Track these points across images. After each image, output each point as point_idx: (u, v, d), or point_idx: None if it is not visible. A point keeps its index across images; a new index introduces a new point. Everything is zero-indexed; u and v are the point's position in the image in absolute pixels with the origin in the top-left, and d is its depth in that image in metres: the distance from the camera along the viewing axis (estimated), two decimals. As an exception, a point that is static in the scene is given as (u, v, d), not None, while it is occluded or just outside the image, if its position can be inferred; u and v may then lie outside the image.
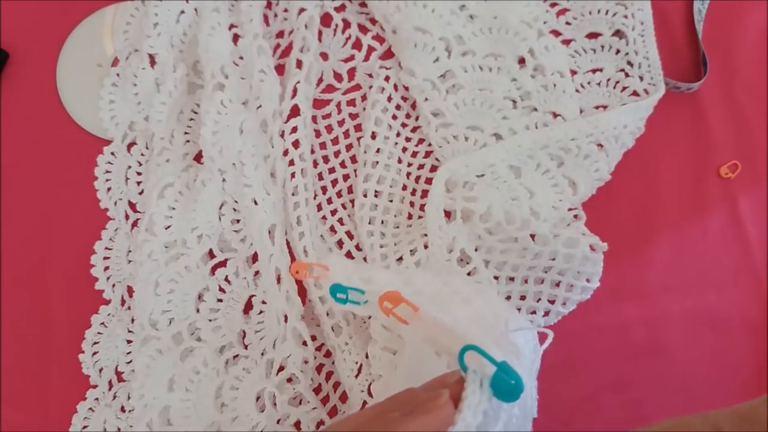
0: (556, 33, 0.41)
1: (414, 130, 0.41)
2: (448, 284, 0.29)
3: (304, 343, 0.36)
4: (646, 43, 0.40)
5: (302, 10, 0.41)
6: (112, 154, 0.42)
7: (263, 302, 0.38)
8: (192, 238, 0.38)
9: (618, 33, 0.41)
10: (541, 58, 0.39)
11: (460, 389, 0.22)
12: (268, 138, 0.39)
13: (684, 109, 0.41)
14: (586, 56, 0.41)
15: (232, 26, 0.41)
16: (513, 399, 0.22)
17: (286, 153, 0.39)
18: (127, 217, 0.41)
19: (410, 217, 0.39)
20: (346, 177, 0.41)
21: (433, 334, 0.25)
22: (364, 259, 0.39)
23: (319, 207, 0.40)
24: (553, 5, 0.42)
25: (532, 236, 0.36)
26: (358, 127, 0.41)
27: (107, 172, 0.41)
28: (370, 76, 0.42)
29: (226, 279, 0.38)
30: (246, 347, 0.37)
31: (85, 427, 0.38)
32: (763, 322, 0.39)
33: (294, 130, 0.40)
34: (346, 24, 0.43)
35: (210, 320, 0.37)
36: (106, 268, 0.40)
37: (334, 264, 0.30)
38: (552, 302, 0.37)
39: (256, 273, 0.39)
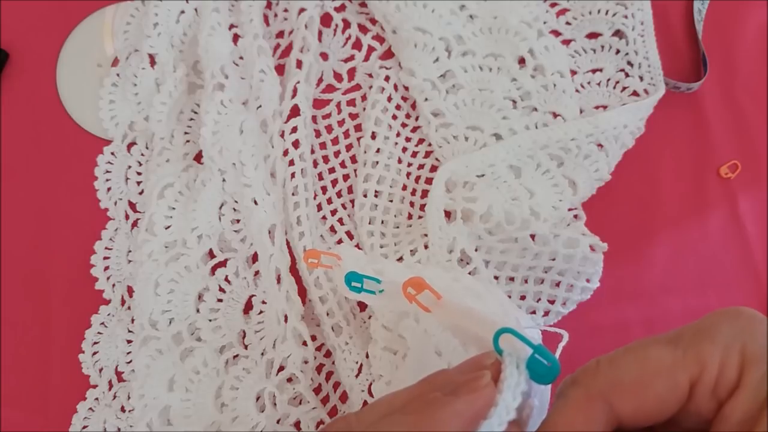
0: (556, 33, 0.41)
1: (414, 130, 0.41)
2: (459, 280, 0.29)
3: (304, 343, 0.36)
4: (646, 43, 0.40)
5: (302, 10, 0.41)
6: (112, 154, 0.42)
7: (263, 302, 0.38)
8: (192, 238, 0.38)
9: (618, 33, 0.41)
10: (541, 58, 0.39)
11: (497, 371, 0.22)
12: (268, 138, 0.39)
13: (684, 109, 0.41)
14: (586, 56, 0.41)
15: (232, 26, 0.41)
16: (549, 381, 0.22)
17: (286, 153, 0.39)
18: (127, 217, 0.41)
19: (410, 217, 0.39)
20: (346, 177, 0.41)
21: (458, 322, 0.25)
22: (364, 259, 0.39)
23: (319, 207, 0.40)
24: (553, 5, 0.42)
25: (532, 236, 0.36)
26: (358, 127, 0.41)
27: (107, 172, 0.42)
28: (370, 76, 0.42)
29: (226, 279, 0.38)
30: (246, 347, 0.37)
31: (85, 427, 0.38)
32: (763, 322, 0.39)
33: (294, 130, 0.40)
34: (346, 24, 0.43)
35: (210, 320, 0.37)
36: (106, 268, 0.40)
37: (346, 254, 0.30)
38: (552, 302, 0.37)
39: (256, 273, 0.39)
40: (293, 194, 0.39)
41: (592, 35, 0.41)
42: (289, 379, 0.36)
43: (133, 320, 0.38)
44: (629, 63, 0.40)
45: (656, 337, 0.21)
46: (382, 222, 0.39)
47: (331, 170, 0.41)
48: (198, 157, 0.41)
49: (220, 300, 0.38)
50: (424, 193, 0.39)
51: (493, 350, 0.23)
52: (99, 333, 0.39)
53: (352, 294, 0.29)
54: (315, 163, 0.41)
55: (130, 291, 0.39)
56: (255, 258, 0.39)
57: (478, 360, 0.23)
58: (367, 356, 0.36)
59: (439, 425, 0.20)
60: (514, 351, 0.22)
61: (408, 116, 0.41)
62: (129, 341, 0.39)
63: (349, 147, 0.41)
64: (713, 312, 0.22)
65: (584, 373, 0.21)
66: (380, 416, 0.22)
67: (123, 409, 0.38)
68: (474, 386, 0.22)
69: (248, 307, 0.38)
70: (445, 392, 0.22)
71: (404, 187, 0.40)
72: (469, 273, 0.35)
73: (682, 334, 0.21)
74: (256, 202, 0.37)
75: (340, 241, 0.40)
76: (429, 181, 0.40)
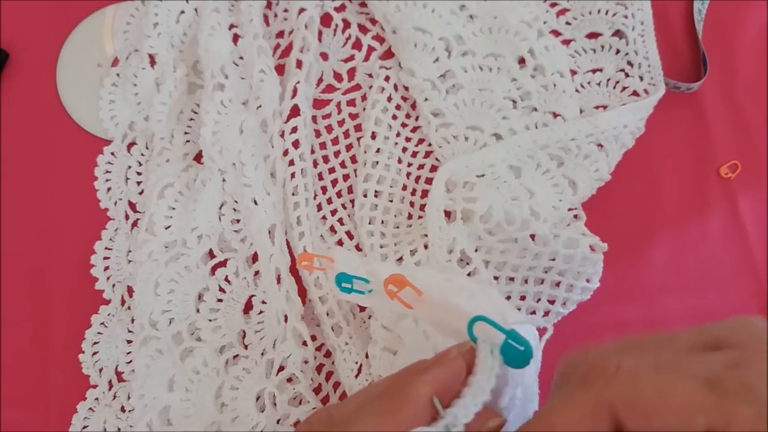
0: (556, 33, 0.41)
1: (414, 130, 0.41)
2: (452, 281, 0.29)
3: (304, 343, 0.36)
4: (646, 43, 0.40)
5: (302, 10, 0.41)
6: (112, 154, 0.42)
7: (263, 302, 0.38)
8: (192, 238, 0.38)
9: (618, 33, 0.41)
10: (541, 58, 0.39)
11: (472, 358, 0.23)
12: (268, 138, 0.39)
13: (684, 109, 0.41)
14: (586, 56, 0.41)
15: (232, 26, 0.41)
16: (523, 365, 0.23)
17: (286, 153, 0.39)
18: (127, 217, 0.41)
19: (410, 217, 0.39)
20: (346, 177, 0.41)
21: (438, 316, 0.26)
22: (364, 259, 0.39)
23: (319, 207, 0.40)
24: (553, 5, 0.42)
25: (532, 236, 0.36)
26: (358, 127, 0.41)
27: (107, 172, 0.42)
28: (370, 76, 0.42)
29: (226, 279, 0.38)
30: (246, 347, 0.37)
31: (85, 427, 0.38)
32: (763, 322, 0.39)
33: (294, 130, 0.40)
34: (346, 24, 0.43)
35: (210, 320, 0.37)
36: (106, 268, 0.40)
37: (340, 256, 0.30)
38: (552, 302, 0.37)
39: (256, 273, 0.39)
40: (293, 194, 0.39)
41: (592, 35, 0.41)
42: (289, 379, 0.36)
43: (133, 320, 0.38)
44: (629, 63, 0.40)
45: (694, 366, 0.19)
46: (382, 222, 0.39)
47: (331, 170, 0.41)
48: (198, 157, 0.41)
49: (220, 300, 0.38)
50: (424, 193, 0.39)
51: (468, 339, 0.24)
52: (99, 333, 0.39)
53: (342, 294, 0.30)
54: (315, 163, 0.41)
55: (130, 291, 0.39)
56: (255, 258, 0.39)
57: (451, 348, 0.24)
58: (367, 356, 0.36)
59: (410, 397, 0.21)
60: (488, 338, 0.23)
61: (408, 116, 0.41)
62: (129, 341, 0.39)
63: (349, 147, 0.41)
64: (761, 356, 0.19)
65: (598, 376, 0.20)
66: (359, 405, 0.23)
67: (123, 409, 0.38)
68: (440, 361, 0.22)
69: (248, 307, 0.38)
70: (417, 373, 0.23)
71: (404, 187, 0.40)
72: (469, 274, 0.35)
73: (724, 379, 0.18)
74: (256, 202, 0.37)
75: (340, 241, 0.40)
76: (429, 181, 0.40)
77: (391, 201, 0.39)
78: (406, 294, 0.27)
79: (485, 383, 0.22)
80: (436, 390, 0.21)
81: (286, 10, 0.43)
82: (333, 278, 0.30)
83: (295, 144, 0.40)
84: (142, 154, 0.42)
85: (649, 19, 0.40)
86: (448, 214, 0.37)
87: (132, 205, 0.41)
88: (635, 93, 0.40)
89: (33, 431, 0.39)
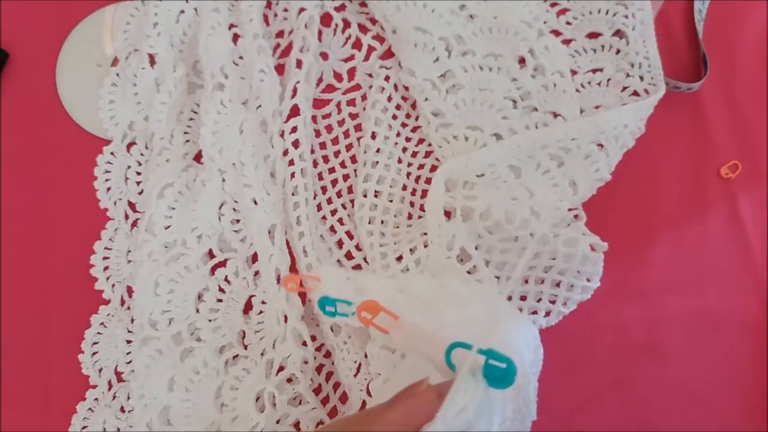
0: (556, 33, 0.41)
1: (414, 130, 0.41)
2: (445, 287, 0.28)
3: (304, 344, 0.36)
4: (646, 43, 0.40)
5: (302, 9, 0.41)
6: (112, 154, 0.42)
7: (263, 302, 0.38)
8: (192, 238, 0.38)
9: (618, 33, 0.41)
10: (541, 58, 0.39)
11: (448, 387, 0.22)
12: (268, 138, 0.39)
13: (684, 109, 0.41)
14: (586, 56, 0.41)
15: (232, 26, 0.41)
16: (508, 383, 0.22)
17: (285, 153, 0.39)
18: (126, 217, 0.41)
19: (410, 217, 0.39)
20: (346, 177, 0.41)
21: (413, 342, 0.25)
22: (364, 259, 0.39)
23: (319, 207, 0.40)
24: (553, 5, 0.42)
25: (532, 236, 0.36)
26: (358, 127, 0.41)
27: (107, 172, 0.42)
28: (370, 76, 0.42)
29: (226, 279, 0.38)
30: (246, 347, 0.37)
31: (84, 427, 0.38)
32: (763, 322, 0.39)
33: (294, 130, 0.40)
34: (346, 24, 0.43)
35: (210, 320, 0.37)
36: (106, 268, 0.40)
37: (327, 275, 0.30)
38: (553, 302, 0.37)
39: (256, 273, 0.39)
40: (293, 194, 0.39)
41: (593, 35, 0.41)
42: (289, 380, 0.36)
43: (132, 320, 0.38)
44: (629, 63, 0.40)
45: None
46: (382, 222, 0.39)
47: (331, 170, 0.41)
48: (198, 157, 0.41)
49: (219, 300, 0.38)
50: (424, 193, 0.39)
51: (427, 377, 0.23)
52: (99, 333, 0.39)
53: (327, 318, 0.29)
54: (315, 163, 0.41)
55: (130, 291, 0.39)
56: (255, 258, 0.39)
57: (421, 381, 0.23)
58: (366, 356, 0.36)
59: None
60: (469, 363, 0.22)
61: (408, 116, 0.41)
62: (129, 341, 0.39)
63: (349, 147, 0.41)
64: None
65: None
66: None
67: (123, 410, 0.38)
68: (410, 393, 0.21)
69: (248, 307, 0.38)
70: (385, 406, 0.22)
71: (404, 187, 0.40)
72: (468, 271, 0.35)
73: None
74: (256, 202, 0.37)
75: (340, 242, 0.40)
76: (429, 181, 0.40)
77: (391, 201, 0.39)
78: (384, 318, 0.26)
79: (464, 400, 0.21)
80: (405, 425, 0.21)
81: (286, 10, 0.43)
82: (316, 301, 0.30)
83: (295, 144, 0.40)
84: (142, 154, 0.42)
85: (650, 19, 0.40)
86: (447, 213, 0.37)
87: (132, 205, 0.41)
88: (635, 93, 0.40)
89: (33, 431, 0.39)
